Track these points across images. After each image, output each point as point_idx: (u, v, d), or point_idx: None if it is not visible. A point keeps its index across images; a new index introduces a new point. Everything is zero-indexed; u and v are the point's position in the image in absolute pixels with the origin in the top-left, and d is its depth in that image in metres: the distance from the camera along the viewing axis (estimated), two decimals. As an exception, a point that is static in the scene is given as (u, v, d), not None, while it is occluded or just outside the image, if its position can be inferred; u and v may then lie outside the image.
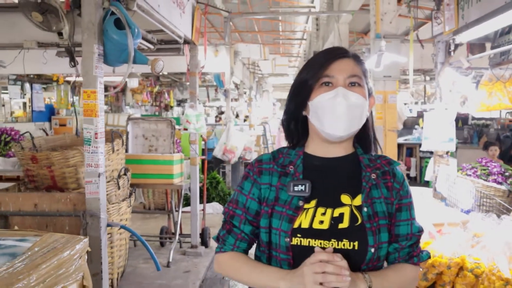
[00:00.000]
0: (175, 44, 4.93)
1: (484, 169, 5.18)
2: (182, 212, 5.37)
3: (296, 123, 1.43)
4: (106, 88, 14.39)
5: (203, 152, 5.99)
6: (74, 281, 1.78)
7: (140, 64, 2.63)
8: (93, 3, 2.38)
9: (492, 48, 4.66)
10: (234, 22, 17.80)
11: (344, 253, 1.24)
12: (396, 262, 1.41)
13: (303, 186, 1.30)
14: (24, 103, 13.99)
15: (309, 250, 1.25)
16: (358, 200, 1.33)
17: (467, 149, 10.28)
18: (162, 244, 5.72)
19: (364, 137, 1.43)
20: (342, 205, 1.32)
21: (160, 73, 3.19)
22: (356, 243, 1.27)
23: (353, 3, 10.20)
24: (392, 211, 1.37)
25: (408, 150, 10.68)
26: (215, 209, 7.58)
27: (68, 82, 10.88)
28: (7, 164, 6.15)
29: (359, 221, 1.30)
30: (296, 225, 1.28)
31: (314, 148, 1.41)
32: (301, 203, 1.31)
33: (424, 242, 3.53)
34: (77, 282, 1.80)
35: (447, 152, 5.18)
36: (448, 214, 4.10)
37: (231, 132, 8.70)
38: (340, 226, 1.29)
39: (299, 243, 1.27)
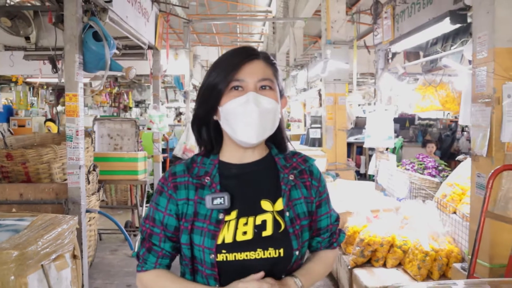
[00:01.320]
0: (139, 49, 5.29)
1: (421, 164, 5.80)
2: (145, 207, 5.73)
3: (207, 129, 1.35)
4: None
5: (165, 150, 6.37)
6: (67, 251, 2.17)
7: (115, 71, 3.01)
8: (74, 18, 2.74)
9: (424, 56, 5.27)
10: (192, 24, 18.07)
11: (272, 261, 1.25)
12: (318, 250, 1.44)
13: (222, 198, 1.25)
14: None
15: (236, 265, 1.24)
16: (279, 205, 1.31)
17: (412, 147, 11.02)
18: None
19: (277, 138, 1.39)
20: (263, 211, 1.29)
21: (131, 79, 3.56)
22: (281, 250, 1.25)
23: (306, 10, 10.79)
24: (312, 209, 1.36)
25: (359, 149, 11.32)
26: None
27: (27, 83, 10.92)
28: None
29: (282, 227, 1.28)
30: (219, 241, 1.24)
31: (229, 154, 1.35)
32: (221, 216, 1.26)
33: (362, 225, 4.09)
34: (70, 252, 2.19)
35: (387, 149, 5.79)
36: (385, 202, 4.68)
37: (190, 132, 9.06)
38: (264, 234, 1.26)
39: (225, 259, 1.24)
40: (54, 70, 3.25)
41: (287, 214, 1.29)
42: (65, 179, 3.89)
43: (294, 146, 1.47)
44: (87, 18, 2.86)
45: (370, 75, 10.86)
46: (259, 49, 17.74)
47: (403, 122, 13.36)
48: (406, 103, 5.71)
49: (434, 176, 5.45)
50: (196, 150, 7.46)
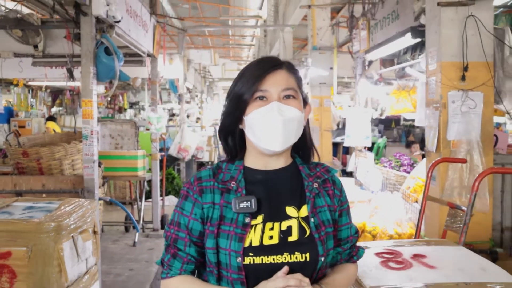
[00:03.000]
0: (138, 57, 5.82)
1: (397, 161, 6.36)
2: (144, 203, 6.25)
3: (233, 136, 1.40)
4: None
5: (162, 149, 6.90)
6: (90, 227, 2.70)
7: (123, 80, 3.53)
8: (89, 36, 3.27)
9: (397, 64, 5.84)
10: (185, 25, 18.57)
11: (298, 265, 1.25)
12: (339, 263, 1.44)
13: (249, 202, 1.27)
14: (-24, 105, 14.22)
15: (263, 268, 1.24)
16: (304, 211, 1.32)
17: (396, 147, 11.59)
18: (126, 229, 6.56)
19: (302, 146, 1.41)
20: (289, 217, 1.31)
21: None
22: (307, 255, 1.26)
23: (294, 16, 11.32)
24: (335, 217, 1.37)
25: (345, 148, 11.88)
26: (171, 202, 8.47)
27: (27, 85, 11.38)
28: None
29: (308, 233, 1.29)
30: (247, 244, 1.25)
31: (253, 161, 1.38)
32: (248, 219, 1.27)
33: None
34: (91, 228, 2.72)
35: (364, 147, 6.35)
36: (360, 194, 5.24)
37: (185, 133, 9.59)
38: (290, 239, 1.28)
39: (252, 262, 1.24)
40: (71, 79, 3.76)
41: (312, 220, 1.30)
42: (75, 174, 4.42)
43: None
44: (99, 35, 3.39)
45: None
46: (251, 52, 18.23)
47: (388, 123, 13.94)
48: (381, 106, 6.25)
49: (408, 172, 6.00)
50: (190, 150, 8.03)
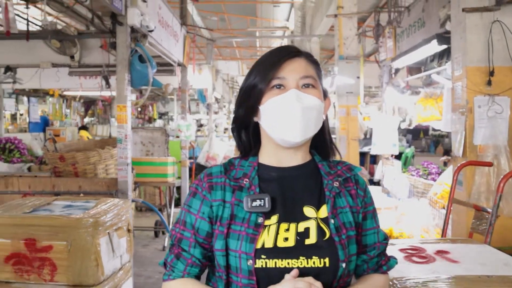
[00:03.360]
0: (169, 66, 6.01)
1: (425, 170, 6.35)
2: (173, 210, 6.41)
3: (247, 131, 1.30)
4: (93, 101, 15.31)
5: (191, 157, 7.06)
6: (124, 225, 2.83)
7: (156, 87, 3.69)
8: (125, 45, 3.44)
9: (424, 71, 5.85)
10: (214, 37, 18.93)
11: (316, 271, 1.13)
12: (365, 273, 1.30)
13: (262, 200, 1.17)
14: (13, 115, 14.78)
15: (276, 273, 1.12)
16: (323, 212, 1.20)
17: (424, 157, 11.52)
18: (156, 235, 6.72)
19: (321, 142, 1.31)
20: (307, 218, 1.19)
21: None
22: (327, 260, 1.14)
23: (321, 26, 11.44)
24: (358, 220, 1.24)
25: (372, 158, 11.85)
26: (199, 208, 8.63)
27: (62, 96, 11.80)
28: (11, 169, 6.99)
29: (327, 235, 1.17)
30: (259, 245, 1.14)
31: (268, 157, 1.27)
32: (261, 219, 1.16)
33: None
34: (125, 226, 2.86)
35: (391, 155, 6.36)
36: (387, 201, 5.26)
37: (213, 142, 9.77)
38: (307, 242, 1.15)
39: (264, 266, 1.13)
40: (107, 86, 3.95)
41: (332, 221, 1.18)
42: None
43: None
44: (133, 44, 3.56)
45: (382, 88, 11.40)
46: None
47: (416, 133, 13.84)
48: (409, 116, 6.27)
49: (435, 180, 5.99)
50: (218, 158, 8.20)
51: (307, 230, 1.17)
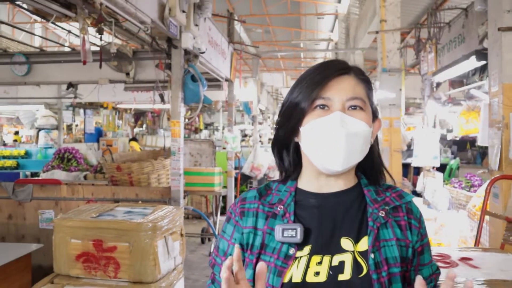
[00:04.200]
0: (216, 81, 6.36)
1: (468, 182, 6.38)
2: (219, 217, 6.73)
3: (288, 151, 1.22)
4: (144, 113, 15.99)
5: (236, 167, 7.38)
6: (178, 230, 3.15)
7: (206, 103, 4.01)
8: (179, 66, 3.79)
9: (466, 84, 5.93)
10: (258, 52, 19.38)
11: None
12: None
13: (294, 231, 1.09)
14: (68, 126, 15.64)
15: None
16: (362, 245, 1.09)
17: (470, 168, 11.35)
18: (202, 241, 7.06)
19: (369, 165, 1.19)
20: (343, 251, 1.09)
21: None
22: None
23: (365, 39, 11.57)
24: (407, 255, 1.12)
25: (416, 169, 11.79)
26: (244, 217, 8.93)
27: (115, 108, 12.46)
28: (69, 177, 7.49)
29: (364, 271, 1.06)
30: (286, 279, 1.07)
31: (308, 182, 1.18)
32: (292, 251, 1.09)
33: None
34: (179, 231, 3.17)
35: (433, 167, 6.43)
36: (427, 213, 5.35)
37: (258, 152, 10.06)
38: (341, 277, 1.06)
39: None
40: (163, 102, 4.31)
41: (372, 256, 1.07)
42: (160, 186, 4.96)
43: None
44: (186, 65, 3.90)
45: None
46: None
47: (462, 144, 13.61)
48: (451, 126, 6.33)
49: (479, 192, 6.00)
50: (262, 168, 8.50)
51: (341, 264, 1.07)
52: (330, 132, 1.08)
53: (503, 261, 2.07)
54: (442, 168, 9.34)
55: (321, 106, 1.11)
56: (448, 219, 4.70)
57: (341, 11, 13.75)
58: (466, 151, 13.02)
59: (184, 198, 5.71)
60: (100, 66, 3.51)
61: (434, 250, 2.29)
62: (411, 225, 1.13)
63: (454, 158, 11.60)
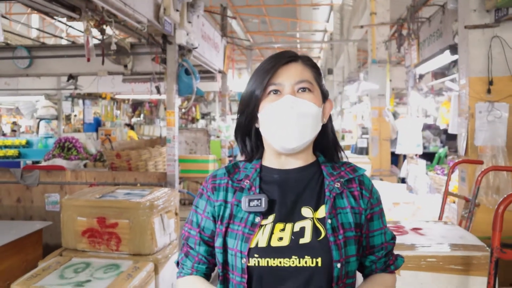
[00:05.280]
0: (210, 73, 6.68)
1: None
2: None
3: (249, 137, 1.32)
4: (141, 103, 16.28)
5: (230, 156, 7.73)
6: (173, 209, 3.50)
7: (199, 95, 4.33)
8: (174, 61, 4.12)
9: (448, 75, 6.26)
10: (254, 40, 19.67)
11: (308, 271, 1.15)
12: (373, 273, 1.33)
13: (259, 201, 1.20)
14: (67, 116, 15.93)
15: (268, 271, 1.16)
16: (321, 212, 1.21)
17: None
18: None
19: (324, 144, 1.32)
20: (303, 218, 1.21)
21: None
22: (319, 259, 1.15)
23: (358, 30, 11.87)
24: (361, 221, 1.25)
25: (406, 158, 12.15)
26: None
27: (113, 98, 12.77)
28: (70, 165, 7.75)
29: (323, 235, 1.18)
30: (252, 245, 1.17)
31: (270, 160, 1.29)
32: (257, 219, 1.20)
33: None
34: (174, 210, 3.53)
35: (416, 155, 6.79)
36: (407, 196, 5.71)
37: (251, 141, 10.42)
38: (302, 241, 1.17)
39: (256, 264, 1.16)
40: (159, 94, 4.65)
41: (329, 221, 1.19)
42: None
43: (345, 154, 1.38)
44: (180, 59, 4.22)
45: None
46: (318, 64, 18.70)
47: (451, 133, 13.93)
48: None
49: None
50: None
51: (302, 229, 1.19)
52: (282, 113, 1.19)
53: (446, 231, 2.42)
54: (431, 156, 9.71)
55: (274, 92, 1.23)
56: (425, 202, 5.06)
57: (336, 1, 13.99)
58: (454, 140, 13.37)
59: (180, 184, 6.07)
60: (103, 63, 3.81)
61: (392, 222, 2.65)
62: (363, 195, 1.26)
63: (443, 146, 11.96)
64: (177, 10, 3.89)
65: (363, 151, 10.49)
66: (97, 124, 13.11)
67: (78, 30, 7.01)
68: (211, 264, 1.30)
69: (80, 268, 2.93)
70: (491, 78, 3.83)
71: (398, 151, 6.83)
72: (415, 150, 6.64)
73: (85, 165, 7.34)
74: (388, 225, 1.36)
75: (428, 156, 9.50)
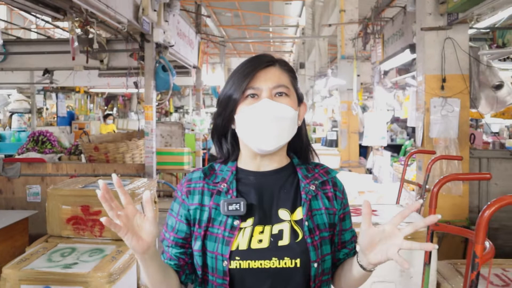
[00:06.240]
0: (185, 68, 6.90)
1: (413, 159, 7.14)
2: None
3: (226, 138, 1.34)
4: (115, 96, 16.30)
5: (204, 149, 7.97)
6: (152, 197, 3.75)
7: (175, 90, 4.57)
8: (151, 58, 4.34)
9: (411, 71, 6.64)
10: (228, 33, 19.83)
11: (288, 271, 1.20)
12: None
13: (238, 204, 1.22)
14: (39, 109, 15.82)
15: (249, 273, 1.20)
16: (298, 214, 1.26)
17: (424, 149, 12.23)
18: (174, 216, 7.67)
19: (298, 146, 1.36)
20: (281, 221, 1.25)
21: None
22: (298, 260, 1.20)
23: (327, 28, 12.22)
24: (334, 221, 1.31)
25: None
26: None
27: (86, 92, 12.81)
28: (45, 159, 7.89)
29: (300, 236, 1.23)
30: (233, 247, 1.20)
31: (246, 162, 1.32)
32: (236, 222, 1.23)
33: (350, 200, 5.55)
34: (152, 198, 3.78)
35: (381, 146, 7.19)
36: (372, 186, 6.09)
37: (225, 134, 10.68)
38: (280, 243, 1.22)
39: (238, 266, 1.19)
40: (137, 89, 4.86)
41: (306, 223, 1.24)
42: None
43: (315, 147, 1.41)
44: (157, 56, 4.45)
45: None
46: (291, 58, 18.93)
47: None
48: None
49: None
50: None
51: (281, 232, 1.23)
52: (260, 117, 1.22)
53: (396, 211, 2.75)
54: (398, 148, 10.16)
55: (251, 95, 1.25)
56: (387, 190, 5.44)
57: (307, -3, 14.30)
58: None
59: (156, 175, 6.29)
60: (87, 61, 4.01)
61: (352, 206, 2.97)
62: (336, 196, 1.32)
63: (410, 139, 12.48)
64: (155, 10, 4.12)
65: (333, 143, 10.87)
66: (70, 118, 13.11)
67: (49, 23, 7.08)
68: (181, 262, 1.29)
69: (66, 253, 3.15)
70: (444, 76, 4.20)
71: (364, 143, 7.21)
72: (380, 142, 7.03)
73: (59, 159, 7.46)
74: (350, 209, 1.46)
75: (395, 148, 9.94)
